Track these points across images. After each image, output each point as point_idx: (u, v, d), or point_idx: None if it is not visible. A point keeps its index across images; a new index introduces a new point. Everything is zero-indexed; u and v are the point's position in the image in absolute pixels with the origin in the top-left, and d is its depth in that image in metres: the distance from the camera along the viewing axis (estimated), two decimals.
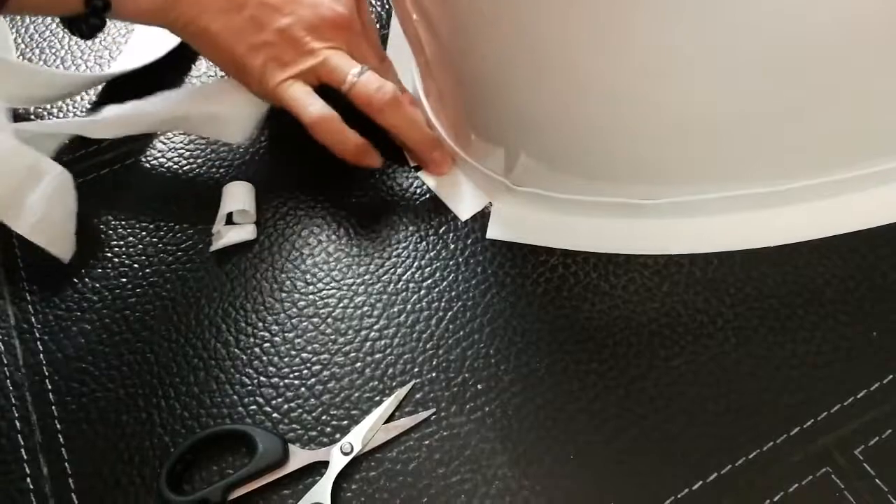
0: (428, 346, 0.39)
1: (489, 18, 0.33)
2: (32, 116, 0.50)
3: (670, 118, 0.34)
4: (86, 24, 0.40)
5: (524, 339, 0.38)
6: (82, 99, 0.50)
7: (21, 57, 0.53)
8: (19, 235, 0.41)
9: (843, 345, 0.37)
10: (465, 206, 0.43)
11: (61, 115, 0.49)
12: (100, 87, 0.50)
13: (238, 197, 0.43)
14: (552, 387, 0.37)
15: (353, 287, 0.41)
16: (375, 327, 0.39)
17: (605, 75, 0.33)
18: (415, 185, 0.44)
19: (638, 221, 0.40)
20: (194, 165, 0.46)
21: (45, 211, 0.40)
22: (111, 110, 0.43)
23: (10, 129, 0.41)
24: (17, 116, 0.49)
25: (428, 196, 0.43)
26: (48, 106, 0.50)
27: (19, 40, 0.55)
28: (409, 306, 0.40)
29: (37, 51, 0.54)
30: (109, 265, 0.42)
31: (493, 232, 0.42)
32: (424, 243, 0.42)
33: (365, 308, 0.40)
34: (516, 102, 0.37)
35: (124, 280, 0.42)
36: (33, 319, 0.41)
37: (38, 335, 0.41)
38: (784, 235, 0.39)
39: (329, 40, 0.42)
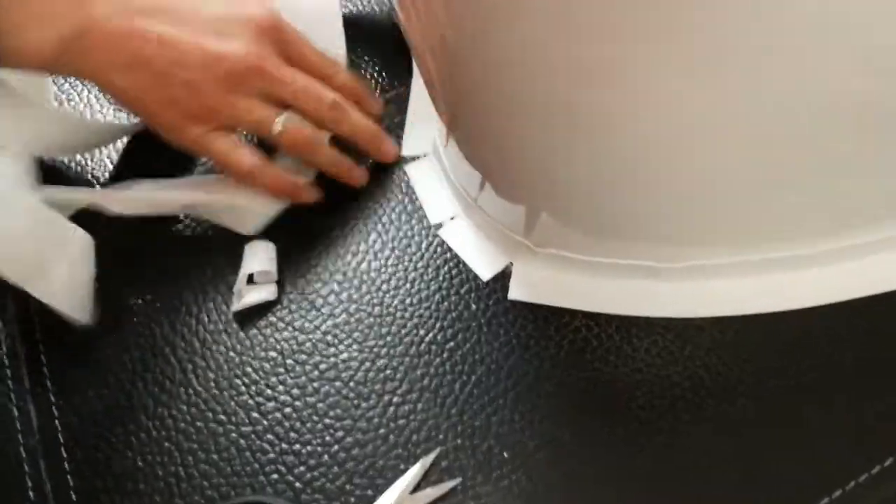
0: (452, 411, 0.38)
1: (520, 81, 0.33)
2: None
3: (699, 183, 0.35)
4: None
5: (549, 404, 0.38)
6: (100, 152, 0.49)
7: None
8: (36, 298, 0.41)
9: (867, 414, 0.37)
10: (486, 265, 0.43)
11: (86, 170, 0.49)
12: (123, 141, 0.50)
13: (259, 256, 0.42)
14: (578, 453, 0.37)
15: (376, 349, 0.40)
16: (399, 391, 0.39)
17: (640, 141, 0.33)
18: (435, 243, 0.44)
19: (660, 284, 0.40)
20: (215, 224, 0.45)
21: (68, 278, 0.39)
22: (136, 187, 0.44)
23: (40, 195, 0.40)
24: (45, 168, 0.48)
25: (449, 255, 0.43)
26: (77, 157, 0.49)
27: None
28: (432, 370, 0.40)
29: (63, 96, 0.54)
30: (127, 326, 0.42)
31: (515, 293, 0.42)
32: (447, 303, 0.42)
33: (388, 371, 0.40)
34: (544, 164, 0.37)
35: (142, 341, 0.41)
36: (49, 383, 0.40)
37: (53, 399, 0.40)
38: (806, 299, 0.40)
39: (245, 85, 0.41)
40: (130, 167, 0.48)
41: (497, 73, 0.33)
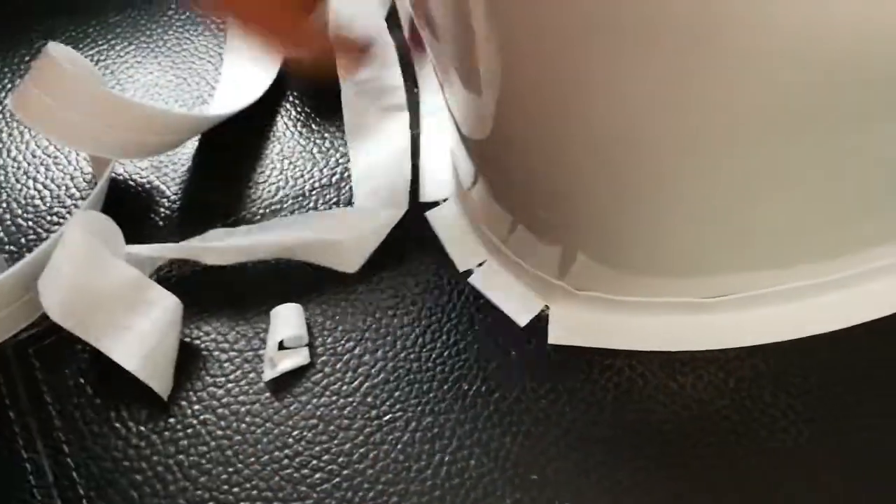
0: (507, 465, 0.38)
1: (568, 126, 0.33)
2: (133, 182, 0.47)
3: (745, 223, 0.35)
4: None
5: (603, 449, 0.38)
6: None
7: None
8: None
9: None
10: (521, 310, 0.42)
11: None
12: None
13: (288, 321, 0.41)
14: (639, 497, 0.37)
15: (420, 407, 0.39)
16: (449, 450, 0.38)
17: (688, 189, 0.33)
18: (466, 290, 0.43)
19: (699, 317, 0.41)
20: (238, 289, 0.44)
21: (156, 344, 0.37)
22: (226, 237, 0.42)
23: (123, 253, 0.39)
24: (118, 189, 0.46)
25: (482, 301, 0.43)
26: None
27: None
28: (480, 424, 0.39)
29: None
30: (155, 405, 0.39)
31: (555, 337, 0.41)
32: (486, 353, 0.41)
33: (435, 430, 0.39)
34: (585, 205, 0.37)
35: (173, 421, 0.39)
36: (75, 475, 0.38)
37: (82, 492, 0.37)
38: (839, 320, 0.40)
39: None
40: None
41: (544, 116, 0.33)
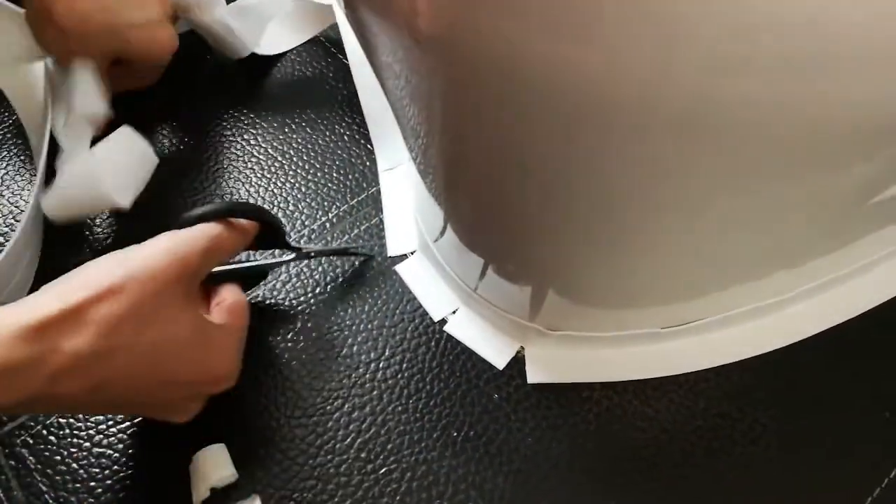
0: None
1: (541, 177, 0.34)
2: None
3: (714, 264, 0.38)
4: None
5: (592, 479, 0.40)
6: None
7: None
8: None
9: (877, 416, 0.41)
10: (498, 353, 0.44)
11: None
12: None
13: (216, 464, 0.40)
14: None
15: (413, 457, 0.40)
16: (446, 496, 0.39)
17: (656, 235, 0.36)
18: (443, 339, 0.45)
19: (663, 345, 0.43)
20: (148, 444, 0.41)
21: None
22: None
23: None
24: None
25: (460, 348, 0.44)
26: None
27: None
28: (472, 467, 0.40)
29: None
30: (152, 493, 0.39)
31: (533, 377, 0.43)
32: (470, 398, 0.42)
33: (430, 477, 0.40)
34: (557, 247, 0.39)
35: None
36: None
37: None
38: (791, 335, 0.44)
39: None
40: None
41: (514, 169, 0.35)
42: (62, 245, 0.49)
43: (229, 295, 0.40)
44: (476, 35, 0.23)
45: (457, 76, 0.27)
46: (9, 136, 0.55)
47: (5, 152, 0.54)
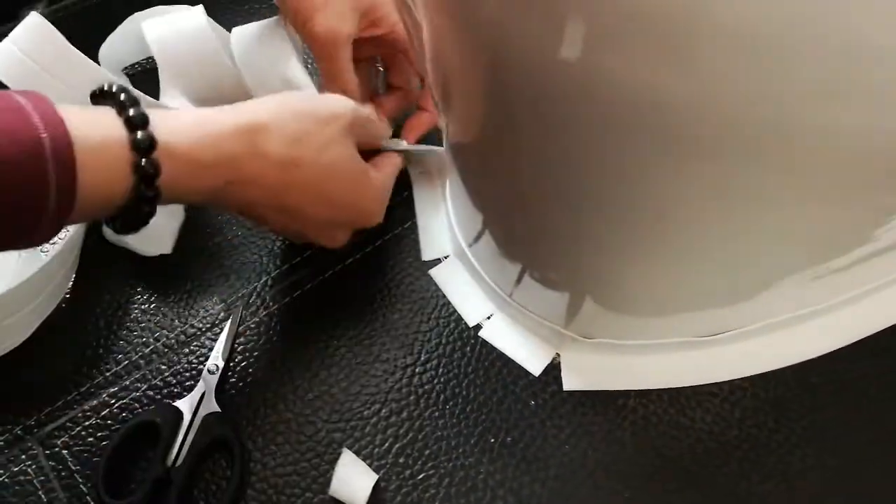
0: None
1: (586, 181, 0.34)
2: None
3: (756, 273, 0.38)
4: (134, 217, 0.36)
5: (629, 486, 0.40)
6: None
7: None
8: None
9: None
10: (534, 359, 0.44)
11: None
12: None
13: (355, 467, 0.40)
14: None
15: (450, 463, 0.41)
16: (485, 502, 0.40)
17: (698, 240, 0.36)
18: (478, 344, 0.45)
19: (700, 353, 0.43)
20: None
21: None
22: None
23: None
24: None
25: (495, 354, 0.44)
26: None
27: None
28: (509, 472, 0.40)
29: None
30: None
31: (569, 383, 0.43)
32: (506, 404, 0.43)
33: (468, 483, 0.40)
34: (604, 259, 0.39)
35: None
36: None
37: None
38: (826, 344, 0.44)
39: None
40: None
41: (562, 172, 0.35)
42: (98, 253, 0.49)
43: (381, 157, 0.47)
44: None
45: (546, 93, 0.27)
46: None
47: None
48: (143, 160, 0.33)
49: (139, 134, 0.33)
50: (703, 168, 0.26)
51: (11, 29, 0.47)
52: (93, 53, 0.53)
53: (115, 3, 0.60)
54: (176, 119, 0.36)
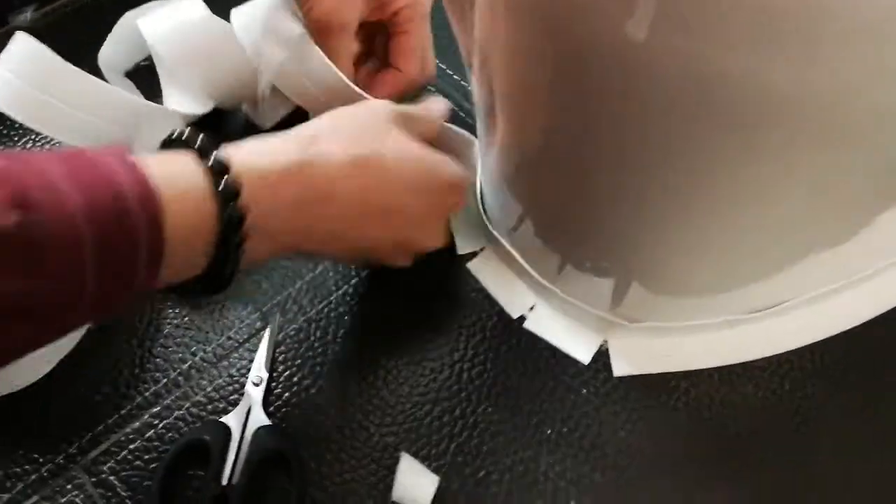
0: (604, 499, 0.39)
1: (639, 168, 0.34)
2: None
3: (802, 241, 0.38)
4: (219, 272, 0.34)
5: (690, 469, 0.40)
6: None
7: None
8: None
9: None
10: (582, 348, 0.44)
11: None
12: None
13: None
14: None
15: (509, 458, 0.40)
16: (548, 494, 0.39)
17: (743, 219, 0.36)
18: (523, 337, 0.44)
19: (748, 329, 0.43)
20: None
21: None
22: None
23: None
24: None
25: (541, 344, 0.44)
26: None
27: None
28: (568, 462, 0.40)
29: None
30: None
31: (619, 369, 0.43)
32: (558, 394, 0.42)
33: (529, 477, 0.40)
34: (641, 236, 0.38)
35: None
36: None
37: None
38: (870, 311, 0.44)
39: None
40: None
41: (602, 160, 0.34)
42: None
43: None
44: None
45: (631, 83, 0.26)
46: None
47: None
48: (228, 207, 0.32)
49: (224, 180, 0.32)
50: (789, 151, 0.26)
51: (2, 35, 0.45)
52: (90, 56, 0.51)
53: (106, 3, 0.57)
54: (238, 150, 0.35)
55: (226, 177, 0.32)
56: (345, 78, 0.45)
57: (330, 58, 0.45)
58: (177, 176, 0.31)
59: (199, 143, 0.33)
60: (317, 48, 0.45)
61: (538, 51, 0.30)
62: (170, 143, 0.35)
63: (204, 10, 0.47)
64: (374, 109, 0.41)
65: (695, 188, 0.33)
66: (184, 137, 0.34)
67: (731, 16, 0.22)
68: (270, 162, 0.35)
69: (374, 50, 0.51)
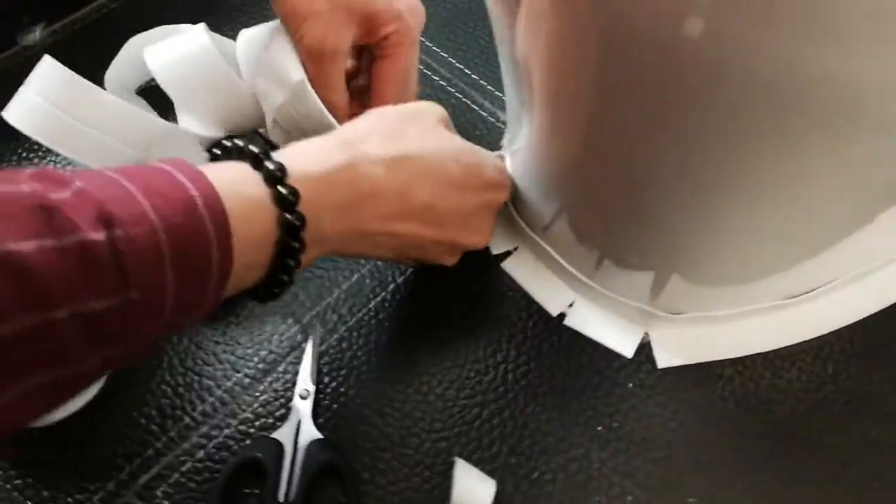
0: (661, 492, 0.39)
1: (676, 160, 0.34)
2: None
3: (841, 228, 0.38)
4: (278, 276, 0.34)
5: (737, 457, 0.40)
6: None
7: None
8: None
9: None
10: (624, 341, 0.44)
11: None
12: None
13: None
14: (785, 494, 0.39)
15: (560, 456, 0.40)
16: (603, 491, 0.39)
17: (783, 208, 0.36)
18: (565, 334, 0.44)
19: (788, 313, 0.44)
20: None
21: None
22: None
23: None
24: None
25: (584, 341, 0.44)
26: None
27: None
28: (621, 458, 0.40)
29: None
30: None
31: (663, 360, 0.43)
32: (603, 389, 0.42)
33: (582, 476, 0.40)
34: (680, 228, 0.38)
35: None
36: None
37: None
38: None
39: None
40: None
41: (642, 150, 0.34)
42: None
43: None
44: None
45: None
46: None
47: None
48: (289, 213, 0.32)
49: (284, 187, 0.32)
50: (846, 142, 0.26)
51: (12, 55, 0.44)
52: (99, 73, 0.51)
53: (114, 21, 0.57)
54: (287, 156, 0.35)
55: (285, 183, 0.32)
56: (338, 126, 0.44)
57: (323, 84, 0.44)
58: (238, 184, 0.31)
59: (250, 151, 0.33)
60: (314, 95, 0.44)
61: (586, 44, 0.30)
62: (219, 155, 0.35)
63: (206, 41, 0.46)
64: (420, 109, 0.41)
65: (750, 182, 0.33)
66: (233, 147, 0.34)
67: (822, 14, 0.22)
68: (318, 166, 0.35)
69: (363, 67, 0.50)
